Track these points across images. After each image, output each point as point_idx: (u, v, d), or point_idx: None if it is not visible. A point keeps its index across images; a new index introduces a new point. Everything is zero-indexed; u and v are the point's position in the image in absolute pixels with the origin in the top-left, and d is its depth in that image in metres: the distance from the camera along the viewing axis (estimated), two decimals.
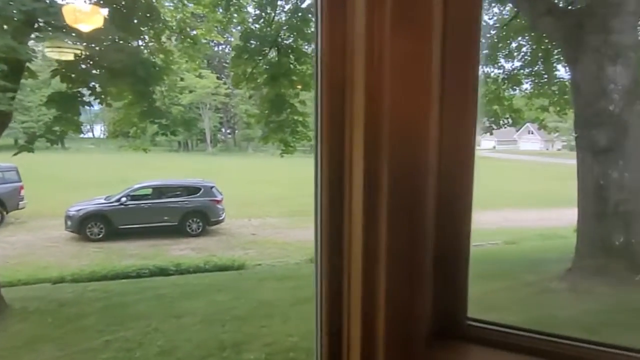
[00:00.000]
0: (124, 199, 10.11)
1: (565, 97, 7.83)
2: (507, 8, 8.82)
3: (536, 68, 8.41)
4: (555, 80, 8.29)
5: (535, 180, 13.98)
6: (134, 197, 10.32)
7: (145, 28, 7.68)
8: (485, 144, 17.88)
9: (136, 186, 10.68)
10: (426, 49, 0.70)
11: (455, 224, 0.78)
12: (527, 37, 8.40)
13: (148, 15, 7.28)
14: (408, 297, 0.74)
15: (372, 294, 0.74)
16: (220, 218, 10.81)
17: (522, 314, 4.55)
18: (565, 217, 7.64)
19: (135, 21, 7.28)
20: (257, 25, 8.65)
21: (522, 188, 13.39)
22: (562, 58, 7.36)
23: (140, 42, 8.03)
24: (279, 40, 8.21)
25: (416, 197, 0.74)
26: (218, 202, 10.71)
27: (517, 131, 16.36)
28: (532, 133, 15.67)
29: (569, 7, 6.55)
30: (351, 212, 0.75)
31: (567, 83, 7.50)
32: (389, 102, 0.70)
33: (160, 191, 10.76)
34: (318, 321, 0.81)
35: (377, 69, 0.70)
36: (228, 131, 22.30)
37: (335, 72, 0.74)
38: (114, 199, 10.20)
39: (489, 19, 9.01)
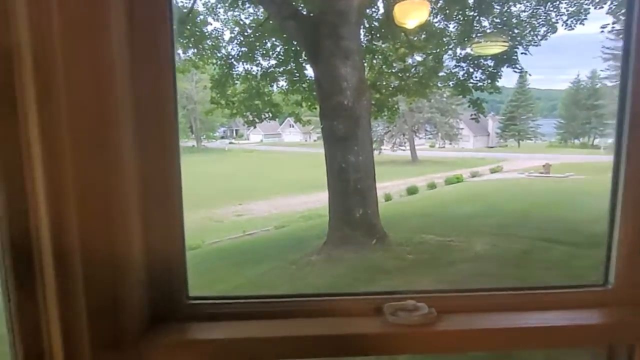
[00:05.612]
0: None
1: (314, 93, 8.89)
2: (262, 9, 9.44)
3: (289, 67, 9.25)
4: (306, 78, 9.31)
5: (299, 169, 15.49)
6: None
7: None
8: (253, 137, 18.89)
9: None
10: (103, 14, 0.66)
11: (167, 217, 0.79)
12: (279, 38, 9.15)
13: None
14: (111, 290, 0.71)
15: (69, 293, 0.69)
16: None
17: (288, 288, 5.02)
18: (324, 198, 8.71)
19: None
20: None
21: (288, 176, 14.68)
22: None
23: None
24: None
25: (110, 180, 0.71)
26: None
27: (280, 125, 17.86)
28: (293, 126, 17.32)
29: (311, 14, 7.44)
30: (37, 205, 0.67)
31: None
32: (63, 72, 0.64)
33: None
34: (10, 320, 0.70)
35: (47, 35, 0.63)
36: None
37: None
38: None
39: (245, 18, 9.50)
